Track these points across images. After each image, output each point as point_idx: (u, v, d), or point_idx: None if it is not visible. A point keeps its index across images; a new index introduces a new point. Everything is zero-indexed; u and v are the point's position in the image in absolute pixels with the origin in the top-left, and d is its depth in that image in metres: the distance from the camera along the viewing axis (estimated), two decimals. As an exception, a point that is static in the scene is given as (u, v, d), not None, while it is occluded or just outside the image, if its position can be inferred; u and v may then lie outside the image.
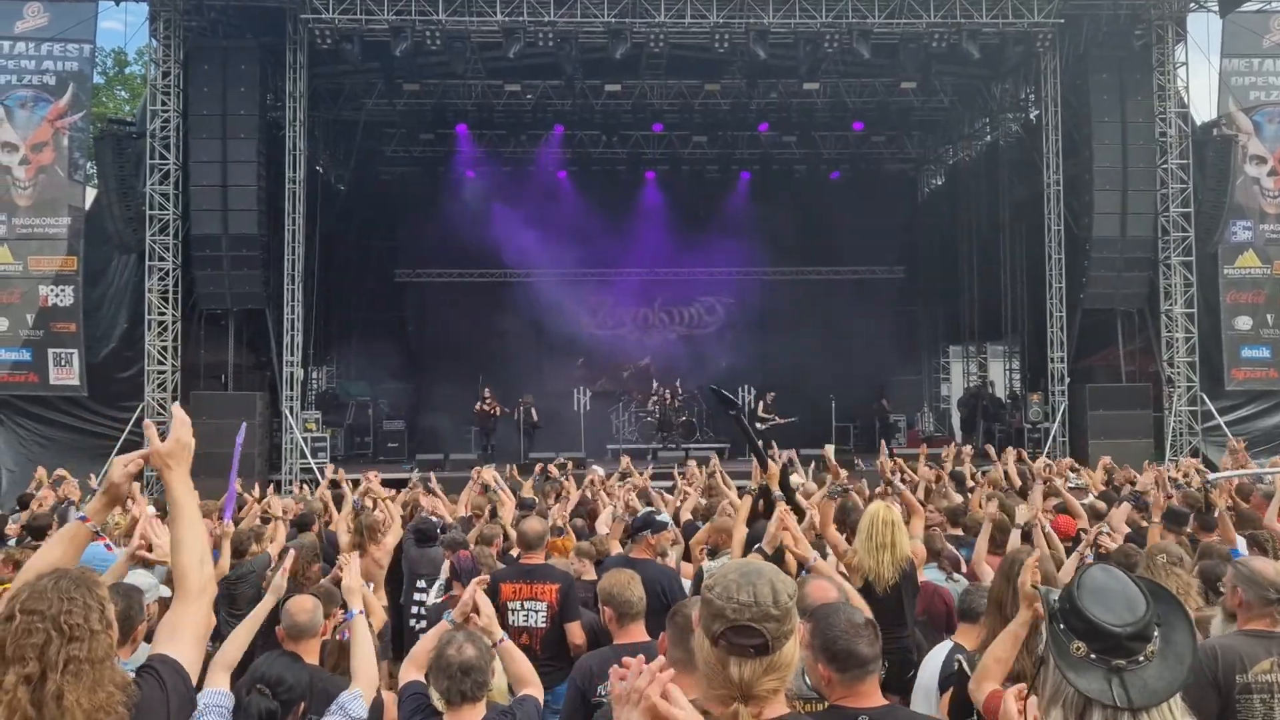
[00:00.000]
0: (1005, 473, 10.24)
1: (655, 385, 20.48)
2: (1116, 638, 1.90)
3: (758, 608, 2.02)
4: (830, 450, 14.00)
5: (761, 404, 18.96)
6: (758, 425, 18.15)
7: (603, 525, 7.83)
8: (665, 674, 1.87)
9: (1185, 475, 10.68)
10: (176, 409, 2.63)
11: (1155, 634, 1.92)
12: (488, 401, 18.84)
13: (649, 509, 6.74)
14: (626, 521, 6.61)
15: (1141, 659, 1.89)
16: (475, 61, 18.10)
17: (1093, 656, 1.90)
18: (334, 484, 10.88)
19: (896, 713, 2.89)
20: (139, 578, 4.38)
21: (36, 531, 7.36)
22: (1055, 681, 1.95)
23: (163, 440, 2.53)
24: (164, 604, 4.33)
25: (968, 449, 14.08)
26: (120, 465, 2.57)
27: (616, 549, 6.54)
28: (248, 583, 5.67)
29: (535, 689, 3.67)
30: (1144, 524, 6.73)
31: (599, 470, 11.73)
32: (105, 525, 6.54)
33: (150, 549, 4.03)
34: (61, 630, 2.14)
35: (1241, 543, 5.76)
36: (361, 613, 3.65)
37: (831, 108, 20.91)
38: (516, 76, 19.08)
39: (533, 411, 19.05)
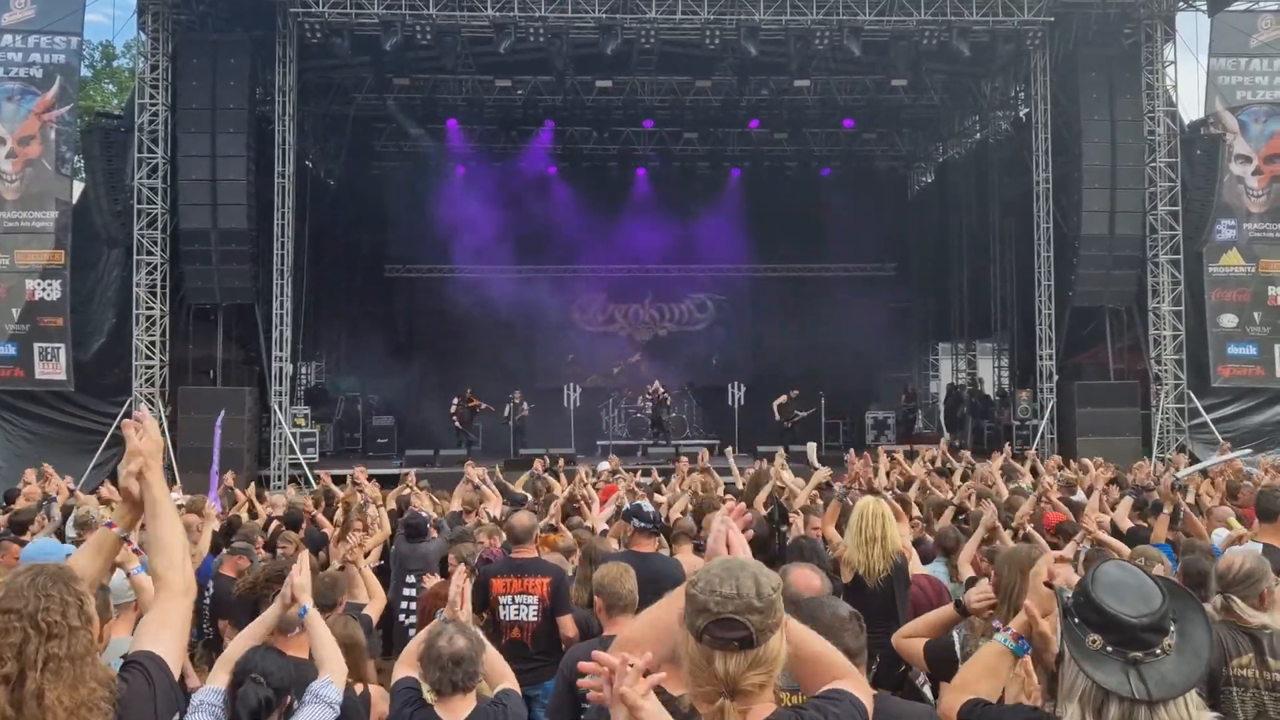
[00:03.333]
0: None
1: (650, 382, 20.46)
2: (1133, 629, 1.89)
3: (740, 600, 2.02)
4: (813, 449, 14.07)
5: (782, 401, 19.07)
6: (787, 425, 18.37)
7: (601, 523, 7.82)
8: (655, 677, 1.88)
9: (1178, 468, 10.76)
10: (142, 411, 2.66)
11: (1172, 628, 1.91)
12: (469, 399, 18.82)
13: (639, 502, 6.74)
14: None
15: (1159, 652, 1.88)
16: (466, 56, 18.04)
17: (1109, 649, 1.89)
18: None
19: (885, 702, 2.90)
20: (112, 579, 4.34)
21: (19, 527, 7.34)
22: (1072, 676, 1.94)
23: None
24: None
25: (942, 445, 14.17)
26: (125, 473, 2.55)
27: (613, 545, 6.54)
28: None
29: (511, 682, 3.73)
30: (1145, 523, 6.79)
31: (582, 470, 11.71)
32: (89, 516, 6.53)
33: None
34: (39, 628, 2.11)
35: (1220, 536, 5.80)
36: (313, 607, 3.69)
37: (822, 105, 20.96)
38: (507, 72, 19.06)
39: (506, 409, 18.92)
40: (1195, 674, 1.90)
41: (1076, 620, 1.96)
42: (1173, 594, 1.98)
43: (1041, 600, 2.69)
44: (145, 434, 2.55)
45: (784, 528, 7.06)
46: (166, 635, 2.37)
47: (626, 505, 6.75)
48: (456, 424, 18.74)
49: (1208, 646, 1.95)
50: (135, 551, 2.92)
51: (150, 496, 2.52)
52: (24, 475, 11.50)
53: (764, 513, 7.49)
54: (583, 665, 1.92)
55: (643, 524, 5.72)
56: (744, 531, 2.41)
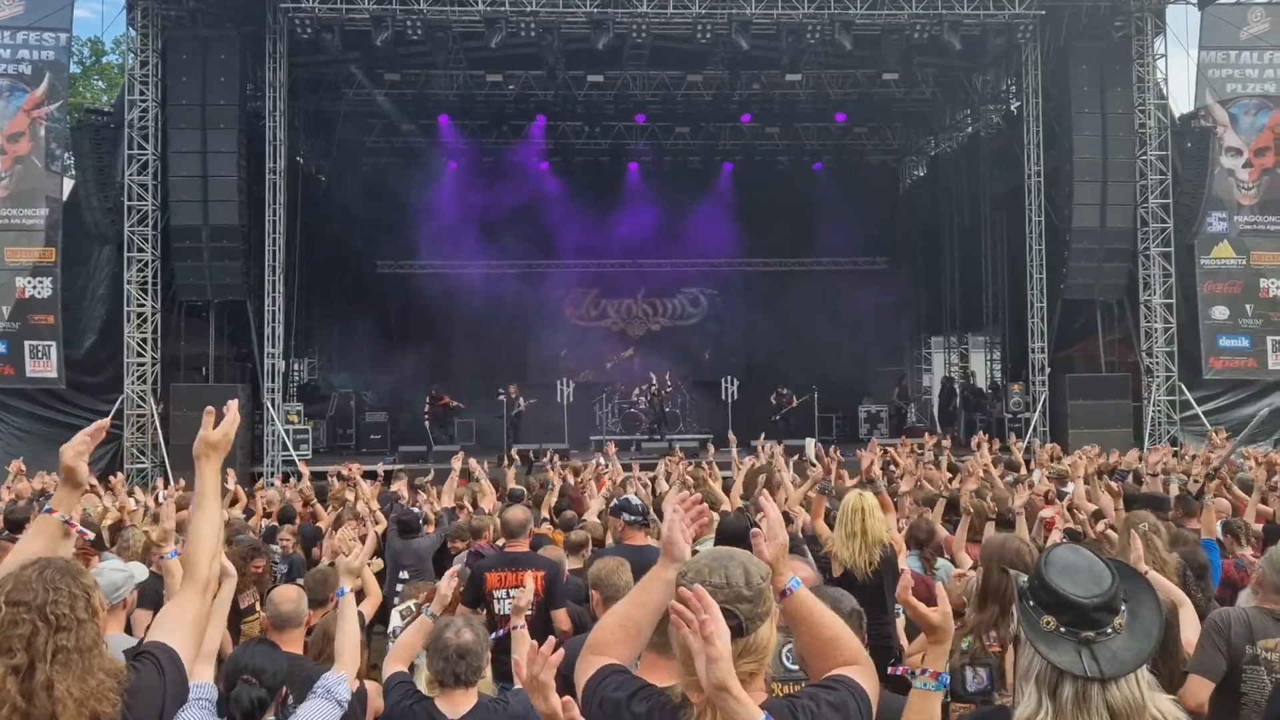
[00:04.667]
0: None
1: (647, 377, 20.47)
2: (1084, 609, 1.94)
3: (730, 589, 2.04)
4: (812, 445, 14.09)
5: (775, 396, 19.26)
6: (775, 419, 18.57)
7: (595, 517, 7.83)
8: (555, 656, 2.02)
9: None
10: (234, 406, 2.66)
11: (1123, 608, 1.96)
12: (439, 398, 18.81)
13: (626, 496, 6.77)
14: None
15: (1110, 631, 1.93)
16: (457, 51, 18.01)
17: (1062, 630, 1.94)
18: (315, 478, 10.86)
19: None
20: (116, 566, 4.36)
21: (14, 525, 7.29)
22: (1028, 657, 1.99)
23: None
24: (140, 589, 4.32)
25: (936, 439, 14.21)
26: (70, 450, 2.58)
27: (611, 539, 6.56)
28: None
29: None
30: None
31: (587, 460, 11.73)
32: (86, 513, 6.50)
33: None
34: (48, 620, 2.14)
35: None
36: (352, 592, 3.69)
37: (814, 99, 20.97)
38: (498, 67, 19.02)
39: (504, 402, 18.91)
40: (1146, 652, 1.95)
41: (1031, 603, 2.01)
42: (1123, 575, 2.03)
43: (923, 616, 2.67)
44: (222, 426, 2.61)
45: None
46: (182, 629, 2.41)
47: (614, 500, 6.80)
48: (428, 424, 18.70)
49: (1158, 625, 2.00)
50: (80, 533, 2.92)
51: (199, 488, 2.60)
52: (11, 467, 11.43)
53: (742, 504, 7.50)
54: (682, 593, 1.96)
55: (632, 517, 5.76)
56: (696, 521, 2.43)
